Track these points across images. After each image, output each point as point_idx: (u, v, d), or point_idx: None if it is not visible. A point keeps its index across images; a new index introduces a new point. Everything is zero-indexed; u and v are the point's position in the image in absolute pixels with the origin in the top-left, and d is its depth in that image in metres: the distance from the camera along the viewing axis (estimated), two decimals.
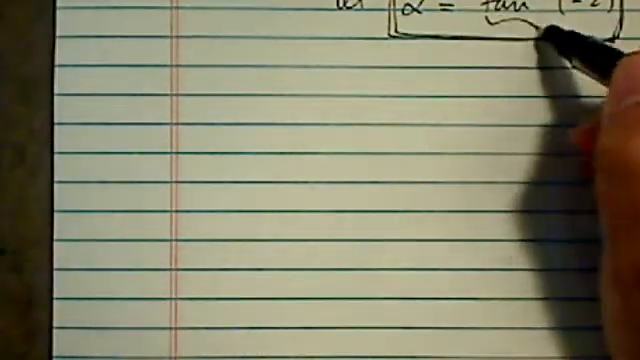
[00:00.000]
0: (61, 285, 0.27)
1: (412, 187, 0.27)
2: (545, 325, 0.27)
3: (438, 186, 0.27)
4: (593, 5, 0.27)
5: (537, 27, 0.27)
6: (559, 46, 0.26)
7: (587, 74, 0.25)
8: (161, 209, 0.27)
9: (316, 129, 0.27)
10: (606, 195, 0.21)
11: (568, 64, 0.26)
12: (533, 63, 0.27)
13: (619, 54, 0.23)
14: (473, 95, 0.27)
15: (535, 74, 0.27)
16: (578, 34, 0.26)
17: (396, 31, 0.27)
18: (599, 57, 0.24)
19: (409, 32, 0.27)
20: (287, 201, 0.27)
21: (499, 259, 0.27)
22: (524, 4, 0.27)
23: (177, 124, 0.27)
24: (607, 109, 0.22)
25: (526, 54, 0.27)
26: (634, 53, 0.22)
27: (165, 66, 0.27)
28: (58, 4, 0.27)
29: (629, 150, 0.20)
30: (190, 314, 0.27)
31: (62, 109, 0.27)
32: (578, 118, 0.27)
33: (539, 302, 0.27)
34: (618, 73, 0.22)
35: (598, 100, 0.26)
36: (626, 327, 0.21)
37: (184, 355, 0.27)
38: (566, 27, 0.27)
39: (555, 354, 0.27)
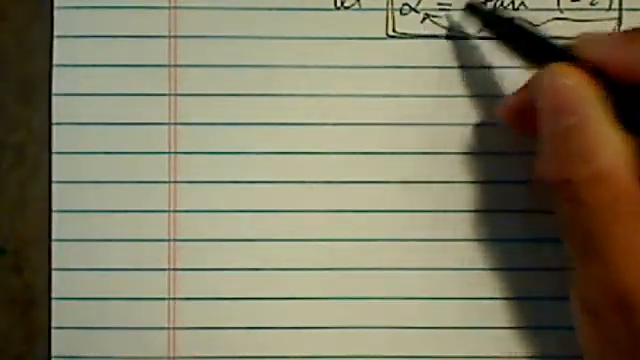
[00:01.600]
0: (60, 285, 0.27)
1: (413, 187, 0.27)
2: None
3: (440, 185, 0.27)
4: (592, 4, 0.27)
5: (536, 25, 0.27)
6: (484, 19, 0.26)
7: (510, 52, 0.24)
8: (159, 209, 0.27)
9: (314, 129, 0.27)
10: (565, 226, 0.21)
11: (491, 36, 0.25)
12: None
13: (544, 44, 0.22)
14: (473, 95, 0.27)
15: None
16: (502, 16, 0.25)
17: (394, 31, 0.27)
18: (524, 42, 0.23)
19: (407, 32, 0.27)
20: (286, 201, 0.27)
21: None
22: (523, 3, 0.27)
23: (175, 124, 0.27)
24: (544, 130, 0.21)
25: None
26: (556, 67, 0.21)
27: (163, 66, 0.27)
28: (56, 4, 0.27)
29: (570, 178, 0.20)
30: (188, 314, 0.27)
31: (60, 109, 0.27)
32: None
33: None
34: (543, 93, 0.21)
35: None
36: (602, 352, 0.20)
37: (182, 355, 0.27)
38: (564, 27, 0.26)
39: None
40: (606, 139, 0.19)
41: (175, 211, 0.27)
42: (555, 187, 0.20)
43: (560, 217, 0.21)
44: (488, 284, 0.27)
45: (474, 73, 0.27)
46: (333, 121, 0.27)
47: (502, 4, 0.27)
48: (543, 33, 0.24)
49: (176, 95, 0.27)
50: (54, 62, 0.27)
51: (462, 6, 0.27)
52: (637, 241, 0.19)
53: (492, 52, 0.27)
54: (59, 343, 0.27)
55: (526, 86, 0.24)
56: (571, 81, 0.20)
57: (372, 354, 0.27)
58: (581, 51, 0.21)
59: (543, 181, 0.21)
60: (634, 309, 0.19)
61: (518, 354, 0.27)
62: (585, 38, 0.21)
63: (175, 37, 0.27)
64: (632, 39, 0.20)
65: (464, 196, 0.27)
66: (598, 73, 0.20)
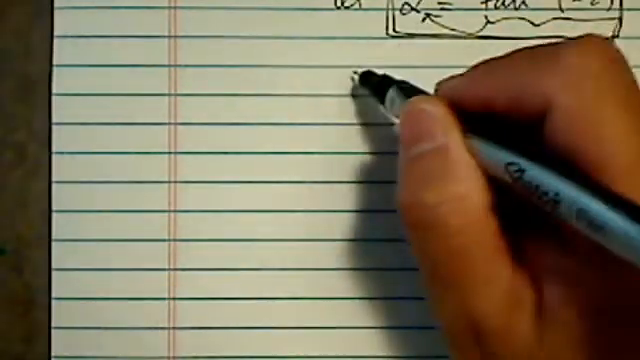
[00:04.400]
0: (59, 285, 0.27)
1: None
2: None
3: None
4: (592, 4, 0.27)
5: (537, 25, 0.27)
6: (373, 89, 0.26)
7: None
8: (159, 209, 0.27)
9: (314, 129, 0.27)
10: (415, 249, 0.20)
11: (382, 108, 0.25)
12: None
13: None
14: None
15: None
16: (391, 78, 0.25)
17: (394, 30, 0.27)
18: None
19: (408, 31, 0.27)
20: (286, 201, 0.27)
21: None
22: (524, 2, 0.27)
23: (175, 124, 0.27)
24: (402, 157, 0.21)
25: None
26: (416, 98, 0.21)
27: (163, 66, 0.27)
28: (56, 4, 0.27)
29: (422, 203, 0.20)
30: (188, 314, 0.27)
31: (60, 109, 0.27)
32: None
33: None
34: (402, 121, 0.21)
35: None
36: None
37: (182, 355, 0.27)
38: (564, 27, 0.26)
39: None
40: (462, 165, 0.19)
41: (175, 211, 0.27)
42: (406, 212, 0.20)
43: (412, 241, 0.21)
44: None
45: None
46: (333, 121, 0.27)
47: (503, 3, 0.27)
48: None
49: (176, 95, 0.27)
50: (54, 62, 0.27)
51: (463, 6, 0.27)
52: (486, 269, 0.19)
53: (492, 53, 0.27)
54: (59, 343, 0.27)
55: None
56: (431, 108, 0.20)
57: (372, 354, 0.27)
58: (439, 92, 0.22)
59: (400, 207, 0.21)
60: (486, 335, 0.19)
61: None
62: (441, 80, 0.22)
63: (175, 37, 0.27)
64: (482, 72, 0.20)
65: None
66: (456, 108, 0.20)
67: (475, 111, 0.20)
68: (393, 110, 0.23)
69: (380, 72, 0.26)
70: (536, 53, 0.19)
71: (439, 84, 0.22)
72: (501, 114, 0.19)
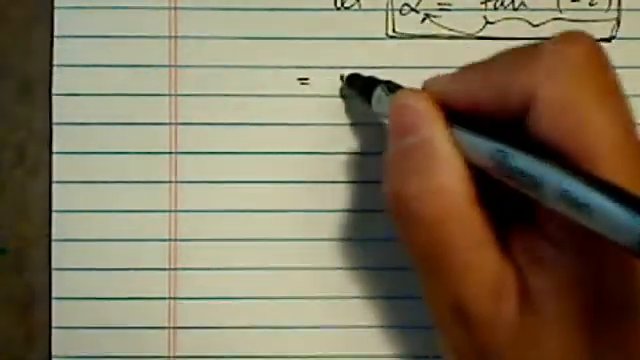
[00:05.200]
0: (60, 285, 0.27)
1: None
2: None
3: None
4: (591, 4, 0.27)
5: (536, 25, 0.27)
6: (360, 90, 0.26)
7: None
8: (160, 209, 0.27)
9: (315, 129, 0.27)
10: (402, 239, 0.21)
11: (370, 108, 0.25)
12: None
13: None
14: None
15: None
16: (376, 79, 0.25)
17: (394, 31, 0.27)
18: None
19: (407, 32, 0.27)
20: (286, 201, 0.27)
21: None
22: (523, 3, 0.27)
23: (176, 124, 0.27)
24: (389, 150, 0.21)
25: None
26: (403, 92, 0.22)
27: (164, 66, 0.27)
28: (56, 4, 0.27)
29: (406, 193, 0.20)
30: (188, 314, 0.27)
31: (60, 109, 0.27)
32: None
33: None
34: (392, 114, 0.21)
35: None
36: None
37: (182, 354, 0.27)
38: (563, 27, 0.27)
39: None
40: (446, 157, 0.20)
41: (175, 211, 0.27)
42: (390, 203, 0.21)
43: (399, 232, 0.21)
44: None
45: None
46: (333, 121, 0.27)
47: (502, 4, 0.27)
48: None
49: (177, 95, 0.27)
50: (54, 62, 0.27)
51: (462, 6, 0.27)
52: (468, 258, 0.20)
53: (492, 53, 0.27)
54: (59, 343, 0.27)
55: None
56: (416, 102, 0.21)
57: (373, 353, 0.27)
58: (426, 90, 0.22)
59: (385, 196, 0.21)
60: (473, 321, 0.19)
61: None
62: (428, 79, 0.22)
63: (175, 37, 0.27)
64: (468, 72, 0.21)
65: None
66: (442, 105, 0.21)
67: (461, 110, 0.20)
68: (380, 109, 0.24)
69: (380, 73, 0.26)
70: (519, 51, 0.20)
71: (426, 83, 0.22)
72: (486, 113, 0.20)
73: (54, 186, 0.27)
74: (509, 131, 0.19)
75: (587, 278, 0.18)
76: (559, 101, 0.18)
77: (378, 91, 0.24)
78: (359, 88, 0.26)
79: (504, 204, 0.20)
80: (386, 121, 0.23)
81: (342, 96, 0.27)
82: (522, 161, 0.18)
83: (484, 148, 0.19)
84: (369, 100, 0.25)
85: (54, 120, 0.27)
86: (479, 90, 0.20)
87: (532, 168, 0.18)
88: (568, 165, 0.17)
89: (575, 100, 0.18)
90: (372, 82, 0.25)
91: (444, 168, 0.20)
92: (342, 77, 0.27)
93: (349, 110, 0.27)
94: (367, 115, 0.27)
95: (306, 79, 0.27)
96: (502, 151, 0.19)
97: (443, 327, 0.21)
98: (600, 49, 0.19)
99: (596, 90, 0.18)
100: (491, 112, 0.20)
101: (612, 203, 0.16)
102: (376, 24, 0.27)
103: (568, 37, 0.19)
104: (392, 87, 0.24)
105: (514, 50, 0.20)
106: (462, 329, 0.20)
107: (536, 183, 0.18)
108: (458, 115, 0.20)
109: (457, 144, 0.20)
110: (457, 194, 0.20)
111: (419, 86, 0.27)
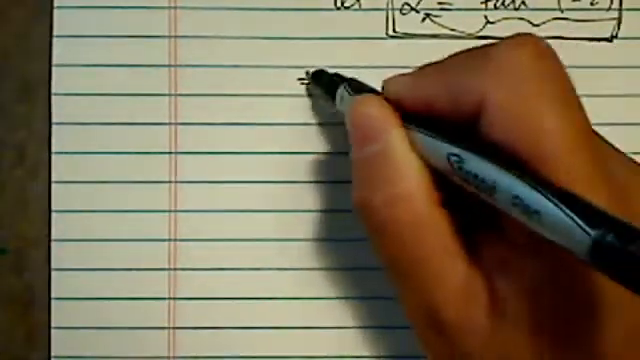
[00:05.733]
0: (59, 285, 0.27)
1: None
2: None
3: None
4: (592, 4, 0.27)
5: (537, 25, 0.27)
6: (325, 88, 0.26)
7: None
8: (160, 209, 0.27)
9: (315, 129, 0.27)
10: (374, 248, 0.21)
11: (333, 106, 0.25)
12: None
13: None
14: None
15: None
16: (341, 76, 0.25)
17: (394, 31, 0.27)
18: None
19: (407, 32, 0.27)
20: (286, 201, 0.27)
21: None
22: (523, 2, 0.27)
23: (176, 124, 0.27)
24: (352, 157, 0.21)
25: None
26: (360, 98, 0.22)
27: (164, 66, 0.27)
28: (56, 4, 0.27)
29: (372, 204, 0.20)
30: (188, 314, 0.27)
31: (60, 109, 0.27)
32: None
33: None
34: (351, 122, 0.21)
35: None
36: None
37: (182, 355, 0.27)
38: (564, 27, 0.26)
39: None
40: (406, 165, 0.20)
41: (175, 211, 0.27)
42: (358, 213, 0.21)
43: (371, 241, 0.21)
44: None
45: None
46: (333, 121, 0.27)
47: (503, 4, 0.27)
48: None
49: (177, 95, 0.27)
50: (54, 62, 0.27)
51: (463, 6, 0.27)
52: (438, 264, 0.19)
53: None
54: (59, 343, 0.27)
55: None
56: (374, 110, 0.21)
57: (372, 354, 0.27)
58: (385, 91, 0.22)
59: (354, 206, 0.21)
60: (445, 325, 0.19)
61: None
62: (387, 80, 0.22)
63: (175, 37, 0.27)
64: (424, 74, 0.21)
65: None
66: (399, 108, 0.21)
67: (418, 112, 0.20)
68: (343, 108, 0.23)
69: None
70: (470, 54, 0.20)
71: (385, 82, 0.22)
72: (442, 116, 0.20)
73: (54, 186, 0.27)
74: (465, 134, 0.19)
75: (549, 280, 0.18)
76: (508, 106, 0.18)
77: (341, 89, 0.24)
78: (324, 85, 0.26)
79: (470, 208, 0.20)
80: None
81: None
82: (476, 165, 0.18)
83: (440, 150, 0.19)
84: (333, 99, 0.24)
85: (54, 120, 0.27)
86: (433, 92, 0.20)
87: (485, 173, 0.18)
88: (522, 169, 0.17)
89: (524, 104, 0.18)
90: (336, 80, 0.25)
91: (405, 176, 0.20)
92: (307, 73, 0.27)
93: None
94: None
95: (306, 79, 0.27)
96: (456, 155, 0.18)
97: (419, 333, 0.21)
98: (549, 50, 0.19)
99: (546, 92, 0.18)
100: (446, 114, 0.20)
101: (562, 211, 0.16)
102: (376, 24, 0.27)
103: (516, 40, 0.19)
104: (355, 86, 0.23)
105: (466, 52, 0.20)
106: (436, 335, 0.20)
107: (490, 188, 0.17)
108: (417, 117, 0.20)
109: (417, 148, 0.20)
110: (420, 202, 0.20)
111: None
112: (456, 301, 0.19)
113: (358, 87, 0.23)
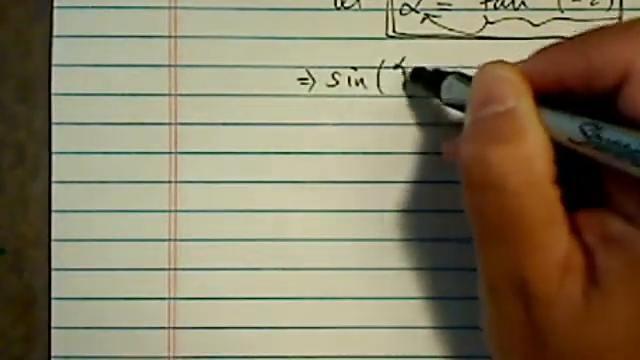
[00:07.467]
0: (59, 285, 0.27)
1: (416, 187, 0.27)
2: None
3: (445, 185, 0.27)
4: (592, 4, 0.27)
5: (536, 25, 0.27)
6: (426, 85, 0.26)
7: (456, 109, 0.24)
8: (160, 209, 0.27)
9: (315, 129, 0.27)
10: (471, 206, 0.21)
11: (439, 101, 0.25)
12: None
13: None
14: None
15: None
16: (440, 71, 0.26)
17: (394, 31, 0.27)
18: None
19: (407, 32, 0.27)
20: (286, 201, 0.27)
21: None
22: (523, 3, 0.27)
23: (176, 124, 0.27)
24: (467, 120, 0.21)
25: (525, 53, 0.27)
26: (490, 63, 0.21)
27: (164, 66, 0.27)
28: (56, 4, 0.27)
29: (487, 160, 0.20)
30: (188, 314, 0.27)
31: (60, 109, 0.27)
32: None
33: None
34: (476, 83, 0.21)
35: None
36: (501, 332, 0.20)
37: (182, 355, 0.27)
38: (564, 27, 0.27)
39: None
40: (529, 129, 0.20)
41: (175, 211, 0.27)
42: (468, 168, 0.20)
43: (468, 197, 0.21)
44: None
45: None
46: (333, 121, 0.27)
47: (502, 4, 0.27)
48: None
49: (177, 95, 0.27)
50: (54, 62, 0.27)
51: (462, 6, 0.27)
52: (541, 234, 0.19)
53: (492, 53, 0.27)
54: (59, 343, 0.27)
55: None
56: (503, 72, 0.21)
57: (372, 354, 0.27)
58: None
59: (454, 158, 0.21)
60: (534, 298, 0.19)
61: None
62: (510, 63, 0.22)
63: (175, 37, 0.27)
64: (553, 50, 0.21)
65: None
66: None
67: (546, 89, 0.20)
68: (451, 95, 0.24)
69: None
70: (611, 26, 0.20)
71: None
72: (572, 91, 0.20)
73: (54, 186, 0.27)
74: (596, 107, 0.19)
75: None
76: None
77: (449, 80, 0.24)
78: (425, 81, 0.26)
79: (572, 186, 0.20)
80: (454, 110, 0.24)
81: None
82: (616, 132, 0.18)
83: (572, 123, 0.19)
84: (436, 92, 0.24)
85: (53, 120, 0.27)
86: (570, 66, 0.20)
87: (627, 138, 0.18)
88: None
89: None
90: (440, 72, 0.25)
91: (529, 140, 0.20)
92: (404, 72, 0.27)
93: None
94: (379, 115, 0.27)
95: (306, 79, 0.27)
96: (594, 124, 0.18)
97: (495, 298, 0.20)
98: None
99: None
100: (577, 90, 0.19)
101: None
102: (376, 24, 0.27)
103: None
104: (462, 77, 0.24)
105: (602, 27, 0.20)
106: (519, 302, 0.19)
107: (631, 152, 0.17)
108: (542, 95, 0.20)
109: (542, 120, 0.20)
110: (539, 168, 0.19)
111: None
112: (552, 273, 0.19)
113: (465, 78, 0.24)
